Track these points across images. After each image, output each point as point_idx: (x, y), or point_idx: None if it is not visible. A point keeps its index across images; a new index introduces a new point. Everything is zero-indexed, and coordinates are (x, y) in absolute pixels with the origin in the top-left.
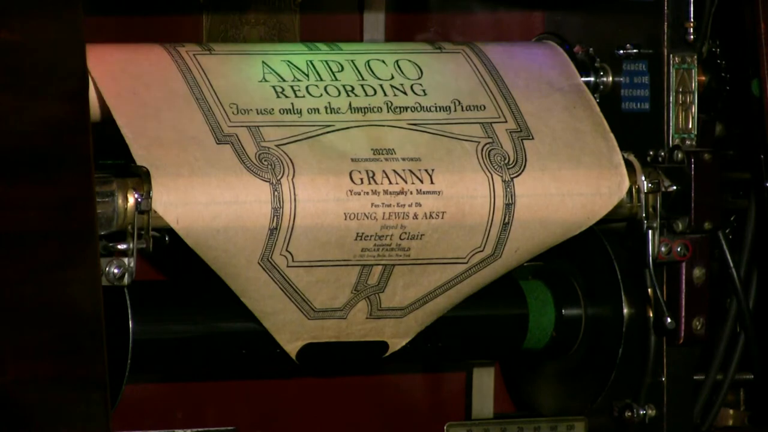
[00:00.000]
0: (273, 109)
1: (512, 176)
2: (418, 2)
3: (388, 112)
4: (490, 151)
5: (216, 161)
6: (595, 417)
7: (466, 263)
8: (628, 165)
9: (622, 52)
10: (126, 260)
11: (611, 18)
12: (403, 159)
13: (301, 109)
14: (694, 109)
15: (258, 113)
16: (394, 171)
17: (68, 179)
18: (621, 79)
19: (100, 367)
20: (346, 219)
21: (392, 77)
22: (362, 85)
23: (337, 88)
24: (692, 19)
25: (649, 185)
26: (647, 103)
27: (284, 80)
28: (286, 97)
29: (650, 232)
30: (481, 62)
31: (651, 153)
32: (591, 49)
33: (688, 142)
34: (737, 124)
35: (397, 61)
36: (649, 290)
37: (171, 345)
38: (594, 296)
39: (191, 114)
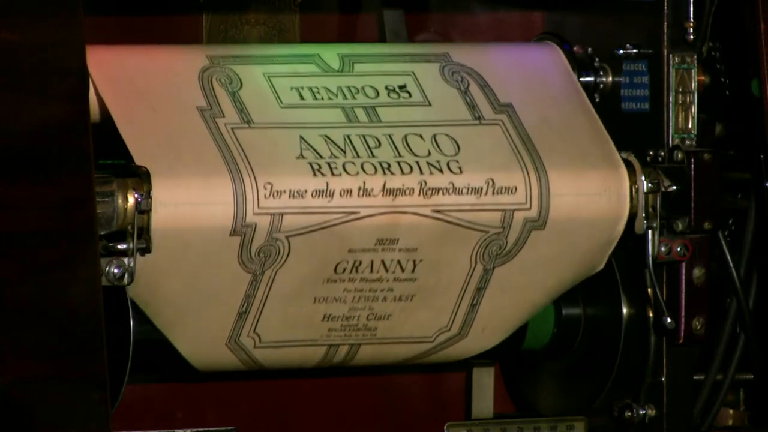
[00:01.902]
0: (306, 191)
1: (496, 265)
2: (418, 2)
3: (419, 194)
4: (490, 242)
5: (215, 254)
6: (595, 417)
7: (432, 342)
8: (628, 165)
9: (622, 52)
10: (126, 260)
11: (611, 18)
12: (400, 249)
13: (334, 191)
14: (694, 109)
15: (290, 196)
16: (382, 261)
17: (68, 179)
18: (621, 79)
19: (100, 367)
20: (315, 302)
21: (429, 153)
22: (399, 163)
23: (373, 165)
24: (692, 19)
25: (649, 185)
26: (647, 103)
27: (321, 157)
28: (323, 175)
29: (650, 232)
30: (517, 133)
31: (651, 153)
32: (591, 49)
33: (688, 142)
34: (737, 124)
35: (434, 136)
36: (649, 290)
37: (171, 345)
38: (594, 296)
39: (224, 192)
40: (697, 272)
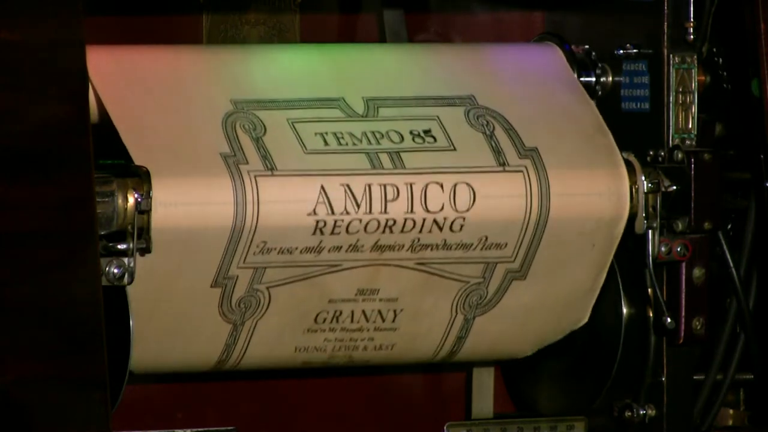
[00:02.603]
0: (296, 249)
1: (476, 315)
2: (418, 2)
3: (408, 250)
4: (470, 292)
5: (196, 306)
6: (595, 417)
7: None
8: (628, 165)
9: (622, 52)
10: (126, 260)
11: (611, 18)
12: (381, 299)
13: (324, 248)
14: (694, 109)
15: (279, 253)
16: (363, 311)
17: (68, 179)
18: (621, 79)
19: (100, 367)
20: (295, 351)
21: (442, 208)
22: (406, 219)
23: (378, 222)
24: (692, 19)
25: (649, 185)
26: (647, 103)
27: (333, 213)
28: (322, 234)
29: (650, 232)
30: (537, 178)
31: (651, 153)
32: (591, 49)
33: (688, 142)
34: (737, 124)
35: (455, 186)
36: (649, 290)
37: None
38: None
39: (217, 247)
40: (697, 272)
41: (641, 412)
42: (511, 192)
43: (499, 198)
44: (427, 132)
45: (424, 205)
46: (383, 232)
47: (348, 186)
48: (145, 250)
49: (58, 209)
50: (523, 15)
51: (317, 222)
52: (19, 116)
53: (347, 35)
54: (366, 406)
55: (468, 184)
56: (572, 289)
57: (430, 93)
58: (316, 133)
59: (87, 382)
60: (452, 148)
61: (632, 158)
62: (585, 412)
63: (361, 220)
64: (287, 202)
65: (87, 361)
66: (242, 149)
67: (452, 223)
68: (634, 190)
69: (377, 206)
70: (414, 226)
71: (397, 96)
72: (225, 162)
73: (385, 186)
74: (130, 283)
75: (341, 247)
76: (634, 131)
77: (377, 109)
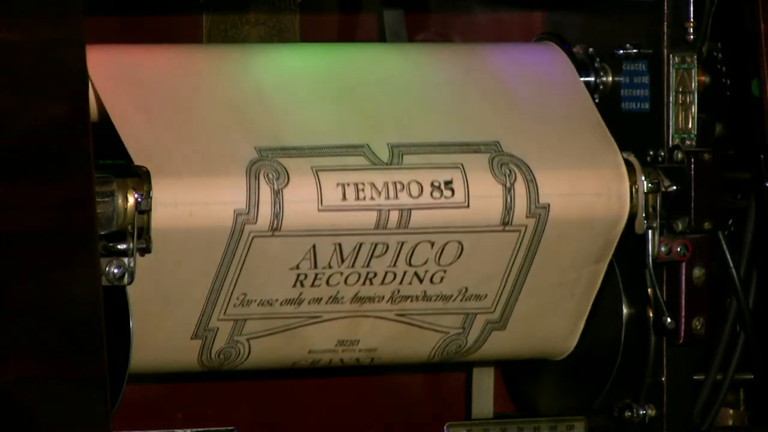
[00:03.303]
0: (276, 301)
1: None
2: (418, 2)
3: (388, 302)
4: (450, 342)
5: (177, 355)
6: (595, 417)
7: None
8: (628, 165)
9: (622, 52)
10: (126, 260)
11: (611, 18)
12: (360, 350)
13: (303, 300)
14: (694, 109)
15: (259, 305)
16: (341, 360)
17: (68, 179)
18: (621, 79)
19: (100, 367)
20: None
21: (426, 262)
22: (387, 272)
23: (359, 274)
24: (692, 19)
25: (649, 185)
26: (647, 103)
27: (316, 267)
28: (302, 286)
29: (650, 232)
30: (531, 239)
31: (651, 153)
32: (591, 49)
33: (688, 142)
34: (737, 124)
35: (446, 243)
36: (649, 290)
37: None
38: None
39: (198, 295)
40: (697, 272)
41: (641, 412)
42: (498, 248)
43: (485, 252)
44: (448, 184)
45: (408, 261)
46: (363, 284)
47: (339, 245)
48: (145, 250)
49: (58, 209)
50: (523, 15)
51: (298, 275)
52: (19, 116)
53: (347, 35)
54: (366, 406)
55: (459, 242)
56: (552, 335)
57: (455, 138)
58: (338, 184)
59: (87, 382)
60: (466, 205)
61: (632, 158)
62: (585, 412)
63: (342, 273)
64: (274, 258)
65: (87, 361)
66: (258, 206)
67: (433, 275)
68: (634, 190)
69: (361, 261)
70: (395, 279)
71: (421, 142)
72: (234, 219)
73: (375, 245)
74: (130, 283)
75: (321, 299)
76: (634, 131)
77: (402, 156)
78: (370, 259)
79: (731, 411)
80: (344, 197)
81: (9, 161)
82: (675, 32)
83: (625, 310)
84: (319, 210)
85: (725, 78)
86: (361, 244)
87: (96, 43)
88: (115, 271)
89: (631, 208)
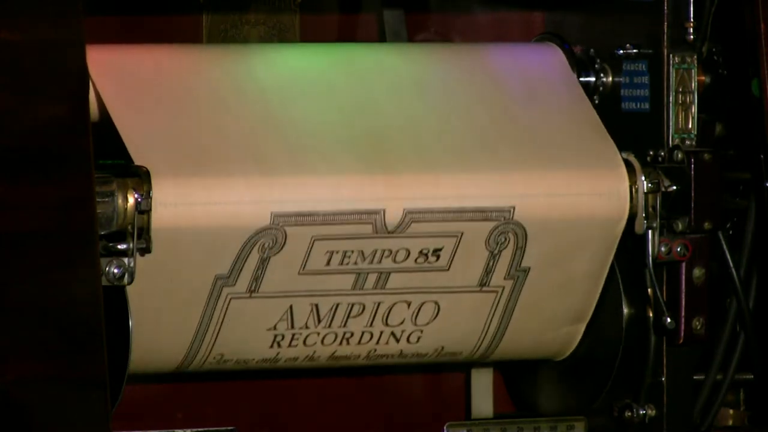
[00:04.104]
0: (252, 360)
1: None
2: (418, 2)
3: (364, 359)
4: None
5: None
6: (595, 417)
7: None
8: (628, 165)
9: (622, 52)
10: (126, 260)
11: (611, 18)
12: None
13: (280, 359)
14: (694, 109)
15: (235, 363)
16: None
17: (68, 179)
18: (621, 79)
19: (100, 367)
20: None
21: (402, 322)
22: (363, 332)
23: (335, 334)
24: (692, 19)
25: (649, 185)
26: (647, 103)
27: (293, 328)
28: (279, 346)
29: (650, 232)
30: (507, 300)
31: (651, 153)
32: (591, 49)
33: (688, 142)
34: (737, 124)
35: (423, 304)
36: (649, 290)
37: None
38: None
39: (184, 336)
40: (697, 272)
41: (641, 412)
42: (475, 308)
43: (461, 312)
44: (436, 251)
45: (384, 321)
46: (340, 344)
47: (316, 306)
48: (145, 250)
49: (58, 209)
50: (523, 15)
51: (275, 336)
52: (19, 116)
53: (347, 35)
54: (366, 406)
55: (435, 302)
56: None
57: (474, 203)
58: (327, 252)
59: (87, 382)
60: (446, 268)
61: (632, 158)
62: (585, 412)
63: (319, 333)
64: (251, 319)
65: (87, 361)
66: (240, 271)
67: (410, 335)
68: (634, 190)
69: (338, 321)
70: (371, 338)
71: (438, 208)
72: (213, 284)
73: (352, 305)
74: (130, 283)
75: (297, 358)
76: (634, 131)
77: (410, 224)
78: (347, 319)
79: (731, 411)
80: (328, 263)
81: (9, 161)
82: (675, 32)
83: (625, 310)
84: (299, 273)
85: (725, 78)
86: (337, 305)
87: (96, 43)
88: (115, 271)
89: (631, 208)
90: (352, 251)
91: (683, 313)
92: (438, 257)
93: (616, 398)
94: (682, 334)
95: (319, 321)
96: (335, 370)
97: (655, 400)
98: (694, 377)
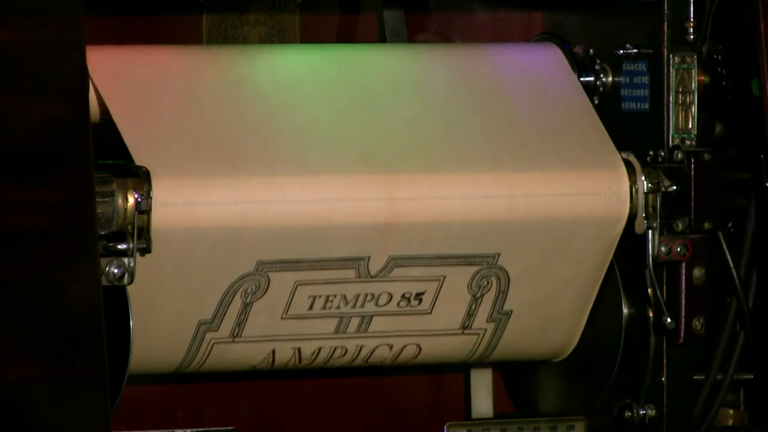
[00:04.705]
0: None
1: None
2: (418, 2)
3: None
4: None
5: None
6: (595, 417)
7: None
8: (628, 165)
9: (622, 52)
10: (126, 260)
11: (611, 18)
12: None
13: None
14: (694, 109)
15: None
16: None
17: (68, 179)
18: (621, 79)
19: (100, 367)
20: None
21: (382, 361)
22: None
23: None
24: (692, 19)
25: (649, 185)
26: (647, 103)
27: (273, 368)
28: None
29: (650, 232)
30: (489, 342)
31: (651, 153)
32: (591, 49)
33: (688, 142)
34: (737, 124)
35: (405, 347)
36: (649, 290)
37: None
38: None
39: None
40: (697, 272)
41: (641, 412)
42: (457, 349)
43: (442, 355)
44: (419, 295)
45: (366, 361)
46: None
47: (299, 349)
48: (145, 250)
49: (58, 209)
50: (523, 15)
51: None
52: (19, 116)
53: (347, 35)
54: (366, 406)
55: (417, 345)
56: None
57: (457, 250)
58: (309, 296)
59: (87, 382)
60: (429, 311)
61: (632, 158)
62: (585, 412)
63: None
64: (233, 360)
65: (87, 361)
66: (224, 316)
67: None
68: (634, 190)
69: (320, 362)
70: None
71: (422, 254)
72: (196, 329)
73: (334, 348)
74: (130, 283)
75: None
76: (634, 131)
77: (393, 269)
78: (329, 360)
79: (731, 411)
80: (311, 307)
81: (9, 161)
82: (675, 32)
83: (625, 310)
84: (282, 318)
85: (725, 78)
86: (320, 348)
87: (96, 43)
88: (115, 271)
89: (631, 208)
90: (335, 295)
91: (683, 313)
92: (420, 301)
93: (616, 398)
94: (682, 334)
95: (301, 361)
96: (335, 371)
97: (655, 400)
98: (694, 377)
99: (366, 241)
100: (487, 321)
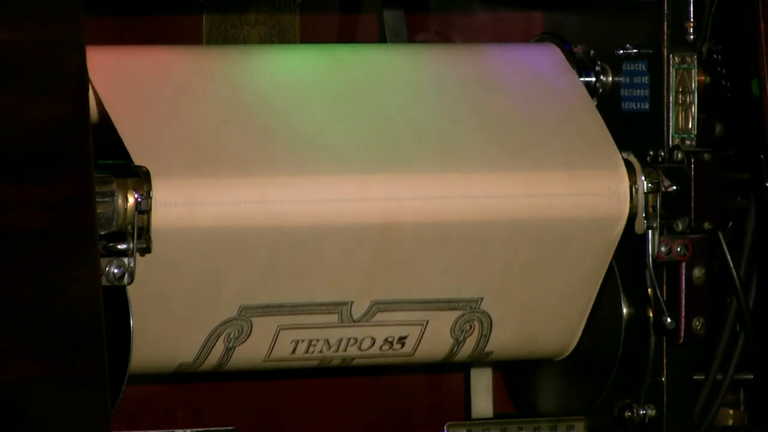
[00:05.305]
0: None
1: None
2: (418, 2)
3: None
4: None
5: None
6: (595, 417)
7: None
8: (628, 165)
9: (622, 52)
10: (126, 260)
11: (611, 18)
12: None
13: None
14: (694, 109)
15: None
16: None
17: (68, 179)
18: (621, 79)
19: (100, 367)
20: None
21: None
22: None
23: None
24: (692, 19)
25: (649, 185)
26: (647, 103)
27: None
28: None
29: (650, 232)
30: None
31: (651, 153)
32: (591, 49)
33: (688, 142)
34: (737, 124)
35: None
36: (649, 290)
37: None
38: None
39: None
40: (697, 272)
41: (641, 412)
42: None
43: None
44: (401, 339)
45: None
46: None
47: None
48: (145, 250)
49: (58, 209)
50: (523, 15)
51: None
52: (19, 116)
53: (347, 35)
54: (366, 406)
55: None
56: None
57: (440, 295)
58: (292, 341)
59: (87, 382)
60: (411, 354)
61: (632, 158)
62: (585, 412)
63: None
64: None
65: (87, 361)
66: (206, 359)
67: None
68: (634, 190)
69: None
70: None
71: (405, 299)
72: (177, 368)
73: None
74: (130, 283)
75: None
76: (634, 131)
77: (375, 314)
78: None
79: (731, 411)
80: (294, 351)
81: (9, 161)
82: (675, 32)
83: (625, 310)
84: (263, 361)
85: (725, 78)
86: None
87: (96, 43)
88: (115, 271)
89: (631, 208)
90: (318, 339)
91: (683, 313)
92: (403, 344)
93: (616, 398)
94: (682, 334)
95: None
96: (335, 370)
97: (655, 400)
98: (694, 377)
99: (349, 286)
100: (467, 358)
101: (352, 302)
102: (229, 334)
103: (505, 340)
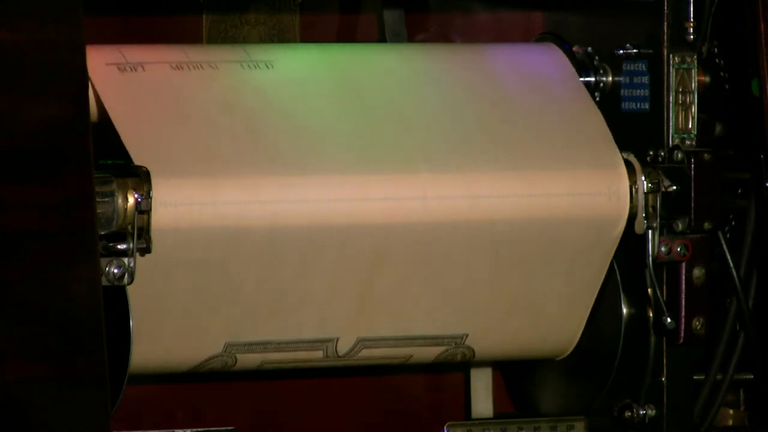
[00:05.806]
0: None
1: None
2: (418, 2)
3: None
4: None
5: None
6: (595, 417)
7: None
8: (628, 165)
9: (622, 52)
10: (126, 260)
11: (611, 18)
12: None
13: None
14: (694, 109)
15: None
16: None
17: (68, 179)
18: (621, 79)
19: (100, 367)
20: None
21: None
22: None
23: None
24: (692, 19)
25: (649, 185)
26: (647, 103)
27: None
28: None
29: (650, 232)
30: None
31: (651, 153)
32: (591, 49)
33: (688, 142)
34: (737, 124)
35: None
36: (649, 290)
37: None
38: None
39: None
40: (697, 272)
41: (641, 412)
42: None
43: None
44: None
45: None
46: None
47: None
48: (145, 250)
49: (58, 209)
50: (523, 15)
51: None
52: (19, 116)
53: (347, 35)
54: (366, 406)
55: None
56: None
57: (425, 332)
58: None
59: (87, 382)
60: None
61: (632, 158)
62: (585, 412)
63: None
64: None
65: (87, 361)
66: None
67: None
68: (634, 190)
69: None
70: None
71: (390, 336)
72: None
73: None
74: (130, 283)
75: None
76: (634, 131)
77: (360, 350)
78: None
79: (731, 411)
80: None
81: (9, 161)
82: (675, 32)
83: (625, 310)
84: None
85: (725, 78)
86: None
87: (96, 43)
88: (115, 271)
89: (631, 208)
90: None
91: (683, 313)
92: None
93: (616, 398)
94: (682, 334)
95: None
96: (335, 370)
97: (655, 400)
98: (694, 377)
99: (335, 322)
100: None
101: (337, 339)
102: (213, 369)
103: (490, 358)
